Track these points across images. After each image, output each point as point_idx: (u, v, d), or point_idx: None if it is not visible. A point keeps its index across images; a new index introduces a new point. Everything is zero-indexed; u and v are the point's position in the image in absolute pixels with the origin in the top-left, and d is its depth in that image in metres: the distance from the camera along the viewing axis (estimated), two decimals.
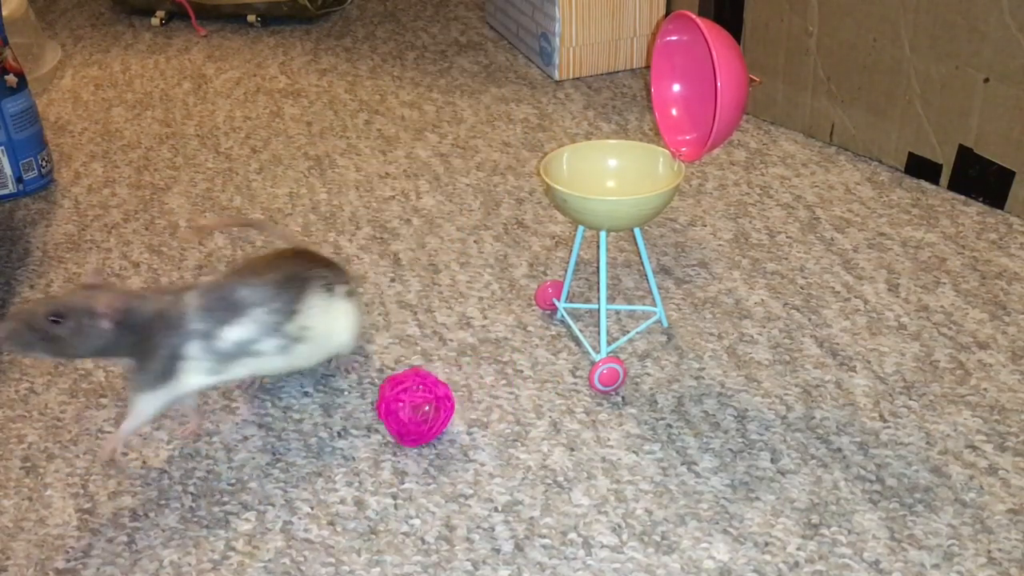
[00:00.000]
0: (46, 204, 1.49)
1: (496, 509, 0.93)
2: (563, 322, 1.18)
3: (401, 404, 0.98)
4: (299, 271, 1.03)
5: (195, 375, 0.98)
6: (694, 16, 0.99)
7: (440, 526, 0.92)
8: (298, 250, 1.09)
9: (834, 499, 0.93)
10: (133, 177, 1.55)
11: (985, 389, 1.06)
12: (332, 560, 0.88)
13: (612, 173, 1.13)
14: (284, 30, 2.11)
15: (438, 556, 0.89)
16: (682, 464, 0.98)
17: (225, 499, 0.95)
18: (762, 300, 1.21)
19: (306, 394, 1.08)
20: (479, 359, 1.13)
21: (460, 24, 2.11)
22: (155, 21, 2.15)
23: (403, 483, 0.96)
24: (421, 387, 0.99)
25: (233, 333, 0.98)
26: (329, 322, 1.04)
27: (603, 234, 1.06)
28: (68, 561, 0.90)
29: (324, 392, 1.09)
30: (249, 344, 0.99)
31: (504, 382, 1.09)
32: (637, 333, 1.16)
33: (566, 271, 1.19)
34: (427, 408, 0.99)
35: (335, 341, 1.07)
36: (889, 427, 1.01)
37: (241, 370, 1.00)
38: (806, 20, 1.52)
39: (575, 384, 1.09)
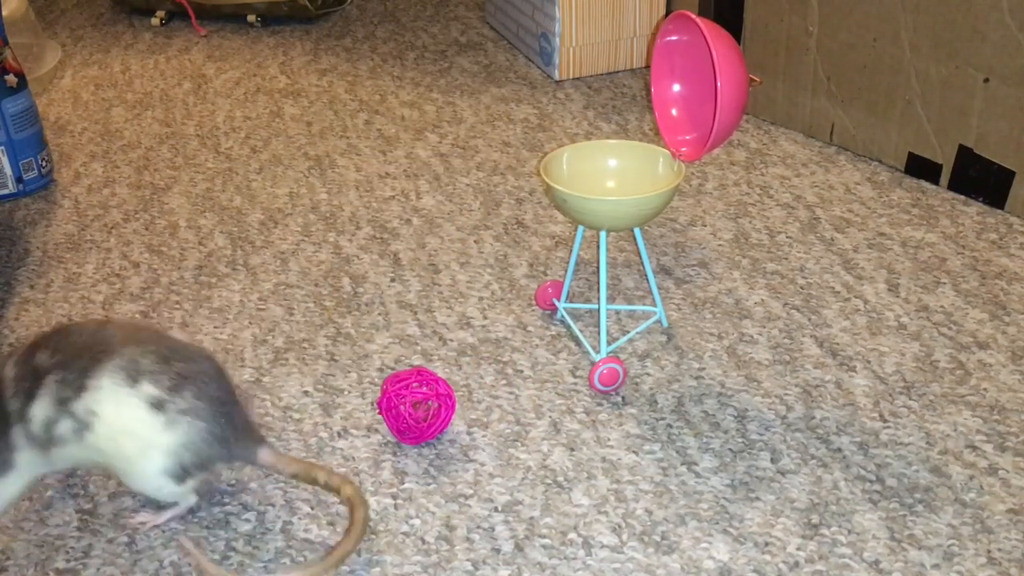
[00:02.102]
0: (46, 204, 1.49)
1: (496, 509, 0.93)
2: (563, 322, 1.18)
3: (402, 400, 0.98)
4: (107, 342, 0.86)
5: (29, 465, 0.88)
6: (694, 16, 0.99)
7: (440, 526, 0.92)
8: (145, 327, 0.92)
9: (834, 499, 0.93)
10: (133, 177, 1.55)
11: (985, 389, 1.06)
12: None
13: (612, 173, 1.13)
14: (284, 30, 2.11)
15: (438, 556, 0.89)
16: (682, 464, 0.98)
17: (225, 499, 0.95)
18: (762, 300, 1.21)
19: (306, 394, 1.08)
20: (479, 359, 1.13)
21: (460, 24, 2.11)
22: (155, 21, 2.15)
23: (403, 483, 0.96)
24: (423, 385, 0.99)
25: (38, 409, 0.85)
26: (119, 422, 0.85)
27: (603, 234, 1.06)
28: (68, 561, 0.90)
29: (324, 392, 1.09)
30: (52, 425, 0.85)
31: (504, 382, 1.09)
32: (637, 333, 1.16)
33: (566, 271, 1.19)
34: (429, 404, 0.99)
35: (131, 462, 0.87)
36: (889, 427, 1.01)
37: (61, 462, 0.89)
38: (806, 20, 1.52)
39: (575, 384, 1.09)
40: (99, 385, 0.85)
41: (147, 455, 0.86)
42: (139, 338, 0.87)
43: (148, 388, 0.85)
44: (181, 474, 0.87)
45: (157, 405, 0.85)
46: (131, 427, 0.85)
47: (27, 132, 1.49)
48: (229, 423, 0.89)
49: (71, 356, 0.85)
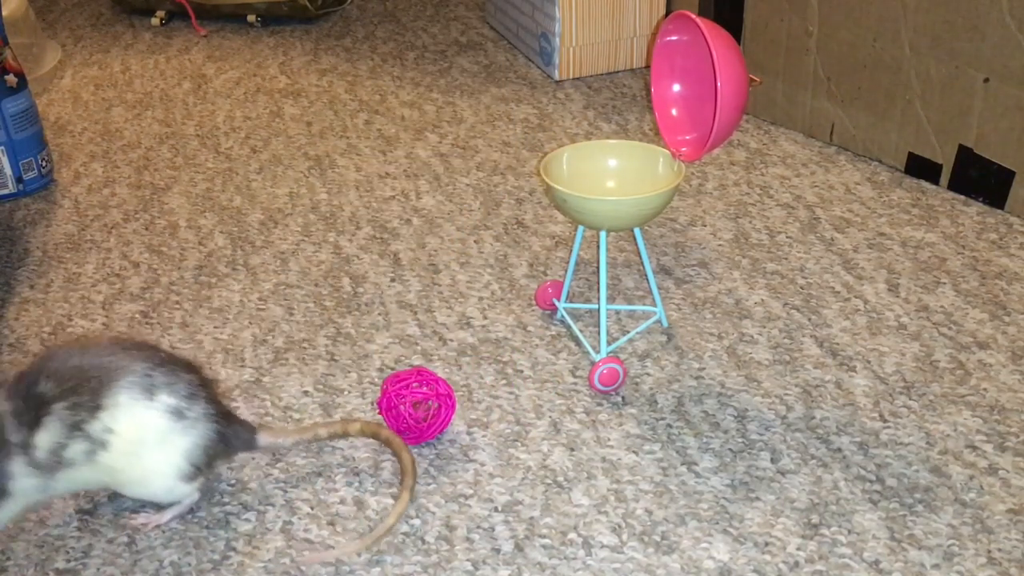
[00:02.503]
0: (46, 204, 1.49)
1: (496, 509, 0.93)
2: (563, 322, 1.18)
3: (402, 400, 0.98)
4: (112, 361, 0.88)
5: (26, 491, 0.88)
6: (694, 16, 0.99)
7: (440, 526, 0.92)
8: (139, 342, 0.93)
9: (834, 499, 0.93)
10: (133, 177, 1.55)
11: (985, 389, 1.06)
12: (332, 560, 0.88)
13: (612, 173, 1.13)
14: (284, 30, 2.11)
15: (438, 556, 0.89)
16: (682, 464, 0.98)
17: (225, 499, 0.95)
18: (762, 300, 1.21)
19: (306, 394, 1.08)
20: (479, 359, 1.13)
21: (460, 24, 2.11)
22: (155, 21, 2.15)
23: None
24: (423, 385, 0.99)
25: (44, 437, 0.86)
26: (138, 435, 0.88)
27: (603, 234, 1.06)
28: (68, 561, 0.90)
29: (324, 392, 1.09)
30: (61, 450, 0.86)
31: (504, 382, 1.09)
32: (637, 333, 1.16)
33: (566, 271, 1.19)
34: (429, 404, 0.99)
35: (147, 470, 0.89)
36: (889, 427, 1.01)
37: (64, 485, 0.89)
38: (806, 20, 1.52)
39: (575, 384, 1.09)
40: (116, 403, 0.87)
41: (164, 461, 0.89)
42: (138, 354, 0.90)
43: (166, 399, 0.88)
44: (193, 473, 0.91)
45: (176, 413, 0.89)
46: (150, 437, 0.88)
47: (27, 132, 1.49)
48: (228, 420, 0.93)
49: (78, 381, 0.87)
